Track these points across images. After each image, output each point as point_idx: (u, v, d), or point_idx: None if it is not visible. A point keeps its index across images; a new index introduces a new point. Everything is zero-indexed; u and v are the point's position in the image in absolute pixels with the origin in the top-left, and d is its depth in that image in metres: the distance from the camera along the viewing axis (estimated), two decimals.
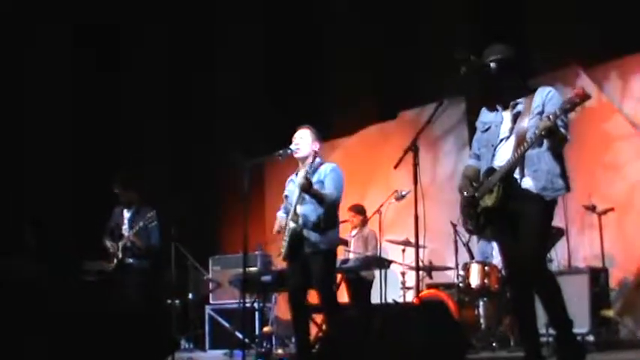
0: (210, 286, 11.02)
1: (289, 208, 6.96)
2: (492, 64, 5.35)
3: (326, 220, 6.78)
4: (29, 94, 11.54)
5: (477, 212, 5.40)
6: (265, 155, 7.89)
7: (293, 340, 9.11)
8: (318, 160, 7.06)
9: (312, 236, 6.74)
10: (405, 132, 10.51)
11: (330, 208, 6.81)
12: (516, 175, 5.16)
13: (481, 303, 8.64)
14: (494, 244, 9.35)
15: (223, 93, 12.73)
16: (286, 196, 7.24)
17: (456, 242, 8.81)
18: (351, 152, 11.98)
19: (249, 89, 12.71)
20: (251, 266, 9.75)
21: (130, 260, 8.77)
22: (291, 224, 6.78)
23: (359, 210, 9.80)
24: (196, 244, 9.88)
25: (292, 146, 7.05)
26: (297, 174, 7.16)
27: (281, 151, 7.21)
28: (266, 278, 9.05)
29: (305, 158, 7.04)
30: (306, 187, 6.68)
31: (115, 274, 8.87)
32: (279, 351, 9.13)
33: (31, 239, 10.06)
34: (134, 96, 12.65)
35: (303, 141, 7.06)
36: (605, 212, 8.29)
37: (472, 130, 10.54)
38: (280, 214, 7.21)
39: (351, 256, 9.28)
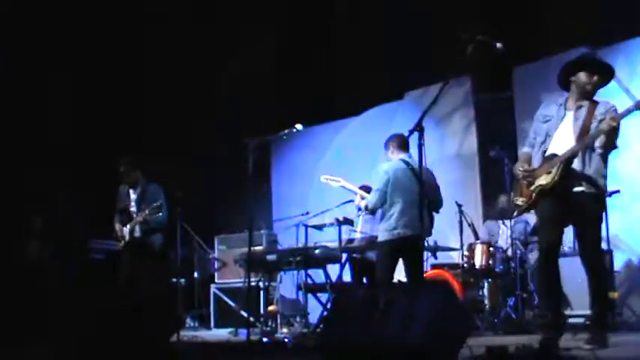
0: (216, 264, 11.05)
1: None
2: (498, 44, 5.47)
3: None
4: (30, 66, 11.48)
5: (530, 190, 5.89)
6: (271, 134, 7.89)
7: (297, 319, 9.15)
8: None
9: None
10: (409, 112, 10.51)
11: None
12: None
13: (485, 284, 8.67)
14: (501, 224, 9.39)
15: (231, 70, 12.68)
16: None
17: (461, 223, 8.80)
18: (356, 133, 11.97)
19: (256, 68, 12.67)
20: (256, 245, 9.76)
21: (140, 237, 8.77)
22: None
23: (368, 190, 9.79)
24: (202, 223, 9.89)
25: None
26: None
27: (286, 131, 7.31)
28: (271, 257, 9.07)
29: None
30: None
31: (123, 253, 8.90)
32: (284, 330, 9.14)
33: (37, 221, 10.12)
34: (140, 72, 12.61)
35: None
36: (610, 194, 8.27)
37: (478, 110, 10.60)
38: None
39: (358, 235, 9.28)
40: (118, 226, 8.94)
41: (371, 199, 7.51)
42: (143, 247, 8.73)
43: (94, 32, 11.90)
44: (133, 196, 9.00)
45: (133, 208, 8.93)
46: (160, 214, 8.44)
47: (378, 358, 4.19)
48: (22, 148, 11.07)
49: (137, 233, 8.74)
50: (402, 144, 7.63)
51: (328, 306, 8.57)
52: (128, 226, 8.77)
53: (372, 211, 7.67)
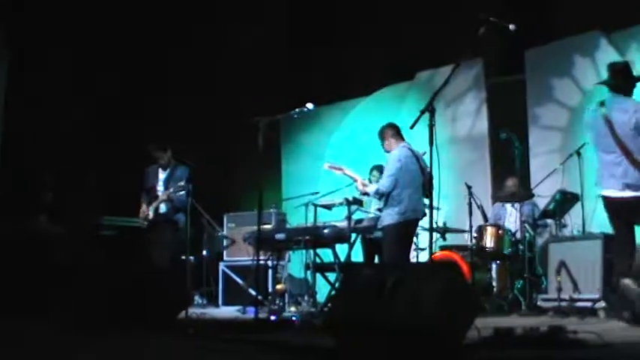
0: (225, 242, 11.07)
1: None
2: (512, 26, 5.43)
3: (385, 203, 7.76)
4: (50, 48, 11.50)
5: None
6: (281, 113, 7.90)
7: (305, 298, 9.17)
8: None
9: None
10: (420, 93, 10.49)
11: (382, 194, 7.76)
12: None
13: (494, 266, 8.67)
14: (508, 207, 9.38)
15: (242, 47, 12.67)
16: None
17: (470, 204, 8.80)
18: (366, 113, 11.96)
19: (267, 45, 12.66)
20: (265, 224, 9.78)
21: (165, 213, 8.97)
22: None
23: (382, 170, 9.80)
24: (211, 200, 9.91)
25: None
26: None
27: (297, 110, 7.37)
28: (280, 236, 9.09)
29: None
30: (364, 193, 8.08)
31: (147, 231, 9.09)
32: (292, 308, 9.17)
33: (47, 198, 10.17)
34: (155, 51, 12.62)
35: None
36: None
37: (489, 92, 10.57)
38: None
39: (367, 216, 9.28)
40: (144, 205, 9.13)
41: (385, 183, 7.71)
42: (167, 223, 8.87)
43: (114, 10, 11.95)
44: (161, 175, 9.18)
45: (160, 187, 9.11)
46: (183, 192, 8.54)
47: (386, 339, 4.19)
48: (35, 126, 11.12)
49: (162, 210, 8.95)
50: (399, 131, 8.01)
51: (336, 285, 8.60)
52: (153, 205, 8.97)
53: (381, 196, 7.73)
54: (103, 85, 12.00)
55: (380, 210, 8.07)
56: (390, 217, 7.64)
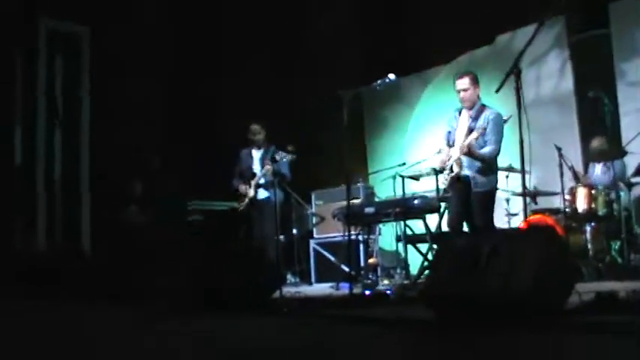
0: (314, 220, 11.10)
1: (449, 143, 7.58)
2: None
3: (487, 168, 7.35)
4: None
5: None
6: (363, 85, 7.83)
7: (398, 271, 9.14)
8: (479, 104, 7.45)
9: (478, 178, 7.32)
10: (499, 57, 10.27)
11: (492, 159, 7.38)
12: None
13: (588, 228, 8.46)
14: (598, 167, 9.13)
15: (322, 23, 12.63)
16: (449, 132, 7.66)
17: (561, 166, 8.60)
18: (446, 83, 11.78)
19: (346, 20, 12.58)
20: (354, 199, 9.77)
21: (266, 194, 9.35)
22: (455, 167, 7.36)
23: None
24: (298, 178, 9.93)
25: (460, 95, 7.49)
26: (459, 112, 7.63)
27: (379, 81, 7.36)
28: (369, 210, 9.08)
29: (471, 104, 7.46)
30: (468, 153, 7.27)
31: (247, 211, 9.49)
32: (385, 282, 9.15)
33: (136, 188, 10.40)
34: (229, 30, 12.70)
35: (469, 90, 7.46)
36: None
37: (573, 50, 10.28)
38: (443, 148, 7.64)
39: None
40: (242, 186, 9.50)
41: (497, 148, 7.38)
42: (270, 203, 9.06)
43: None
44: (256, 155, 9.56)
45: (257, 167, 9.46)
46: (289, 156, 9.00)
47: (484, 309, 4.13)
48: (121, 117, 11.32)
49: (261, 193, 9.40)
50: None
51: (429, 256, 8.54)
52: (252, 182, 9.36)
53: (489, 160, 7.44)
54: (177, 68, 12.14)
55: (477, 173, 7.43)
56: (490, 183, 7.41)
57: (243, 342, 4.34)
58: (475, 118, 7.38)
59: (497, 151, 7.32)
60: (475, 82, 7.48)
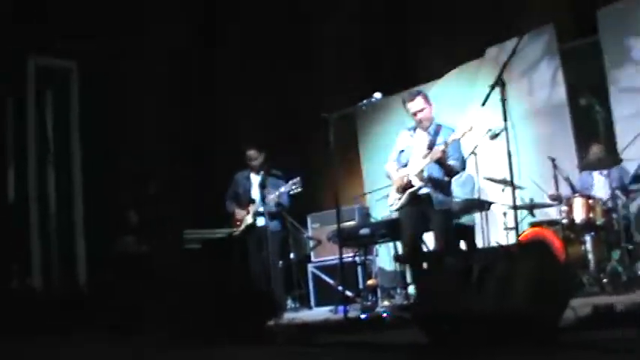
0: (311, 244, 11.01)
1: (403, 162, 7.55)
2: None
3: (446, 186, 7.39)
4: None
5: None
6: (348, 106, 7.79)
7: (398, 291, 9.04)
8: (435, 122, 7.52)
9: (439, 196, 7.28)
10: (491, 69, 10.17)
11: (456, 174, 7.42)
12: None
13: (588, 238, 8.32)
14: (595, 175, 9.01)
15: (314, 46, 12.63)
16: (402, 151, 7.65)
17: (555, 177, 8.48)
18: (435, 100, 11.70)
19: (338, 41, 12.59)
20: (350, 220, 9.69)
21: (264, 222, 8.96)
22: (417, 182, 7.30)
23: None
24: (294, 202, 9.84)
25: (416, 116, 7.51)
26: (414, 130, 7.63)
27: (365, 101, 7.34)
28: (364, 231, 8.99)
29: (429, 123, 7.49)
30: (443, 160, 7.16)
31: (242, 236, 9.29)
32: (385, 302, 9.04)
33: (132, 218, 10.32)
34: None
35: (425, 109, 7.50)
36: None
37: (564, 57, 10.19)
38: (391, 165, 7.72)
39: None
40: (238, 210, 9.27)
41: (462, 165, 7.46)
42: (269, 232, 8.90)
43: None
44: (255, 179, 9.32)
45: (255, 192, 9.21)
46: (294, 189, 8.89)
47: (476, 328, 4.01)
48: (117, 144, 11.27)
49: (259, 219, 9.10)
50: None
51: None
52: (250, 209, 9.13)
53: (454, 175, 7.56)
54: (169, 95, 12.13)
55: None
56: (448, 203, 7.46)
57: None
58: (435, 133, 7.40)
59: (463, 168, 7.42)
60: (427, 100, 7.53)
